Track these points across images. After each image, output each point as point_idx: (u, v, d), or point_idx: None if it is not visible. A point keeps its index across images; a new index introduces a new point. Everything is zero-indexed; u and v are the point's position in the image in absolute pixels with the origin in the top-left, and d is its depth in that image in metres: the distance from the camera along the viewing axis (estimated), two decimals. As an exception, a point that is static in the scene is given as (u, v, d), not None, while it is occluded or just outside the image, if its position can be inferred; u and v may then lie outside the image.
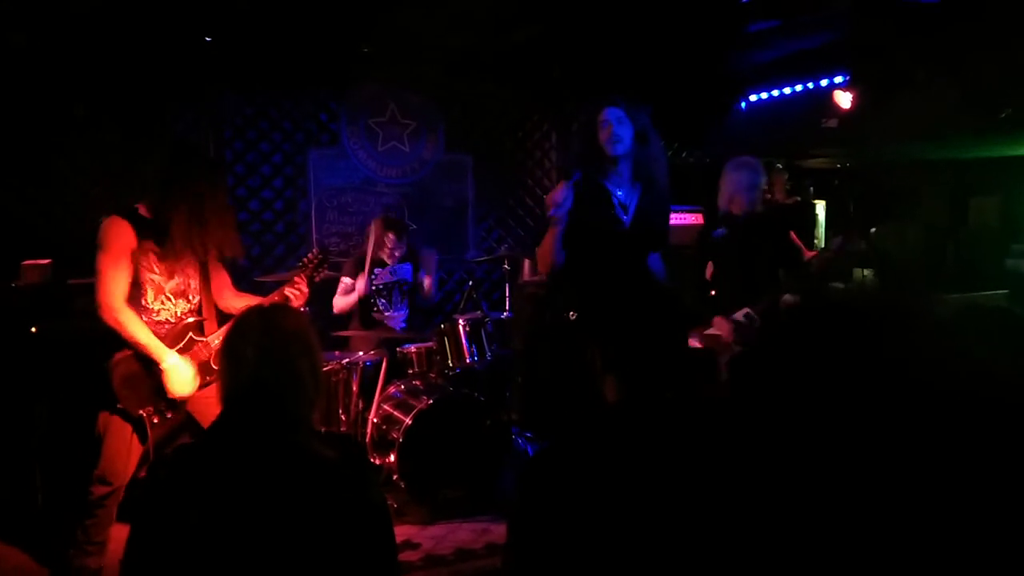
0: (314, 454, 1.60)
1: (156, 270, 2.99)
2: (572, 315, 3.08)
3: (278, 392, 1.63)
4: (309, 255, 3.51)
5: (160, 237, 2.98)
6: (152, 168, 3.09)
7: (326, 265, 3.56)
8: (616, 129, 3.05)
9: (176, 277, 3.05)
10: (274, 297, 3.30)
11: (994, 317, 2.17)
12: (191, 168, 3.02)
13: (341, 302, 4.84)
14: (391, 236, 4.82)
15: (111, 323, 2.88)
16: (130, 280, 2.93)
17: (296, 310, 1.86)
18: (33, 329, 3.94)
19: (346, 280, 4.82)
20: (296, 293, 3.28)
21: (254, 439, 1.60)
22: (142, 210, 3.00)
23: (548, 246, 3.05)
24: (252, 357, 1.63)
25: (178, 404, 3.00)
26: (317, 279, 3.52)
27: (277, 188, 5.57)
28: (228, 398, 1.65)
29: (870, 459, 1.47)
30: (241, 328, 1.69)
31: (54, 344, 3.95)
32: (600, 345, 1.67)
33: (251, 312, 1.75)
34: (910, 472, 1.46)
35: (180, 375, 2.96)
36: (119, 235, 2.92)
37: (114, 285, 2.88)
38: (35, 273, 4.18)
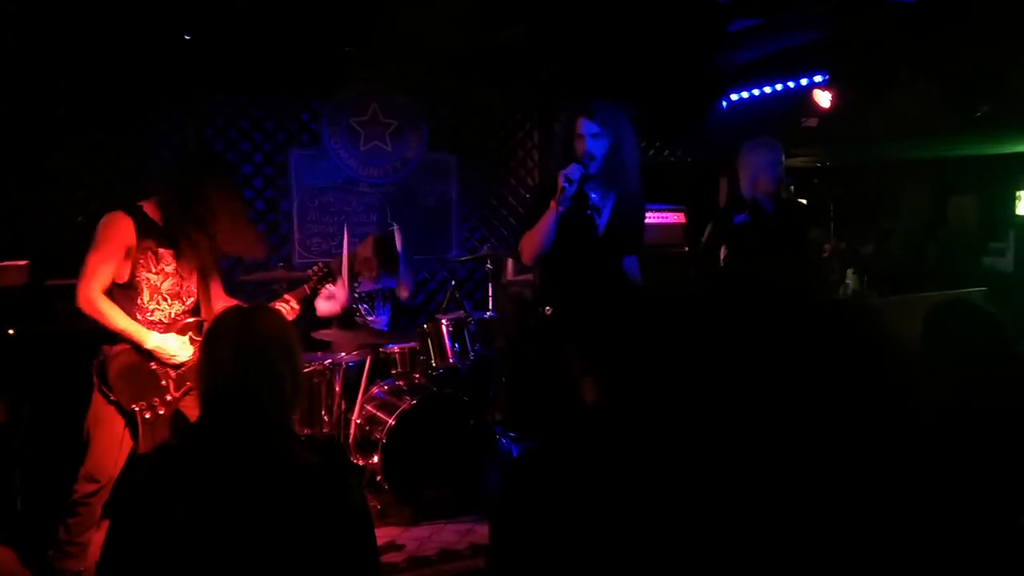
0: (294, 457, 1.59)
1: (154, 270, 2.99)
2: (547, 310, 3.21)
3: (256, 394, 1.61)
4: (315, 267, 3.64)
5: (164, 239, 2.98)
6: (178, 174, 3.07)
7: (330, 279, 3.71)
8: (589, 145, 3.11)
9: (172, 278, 3.04)
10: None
11: (960, 308, 2.21)
12: (219, 180, 3.04)
13: (324, 307, 4.81)
14: (375, 263, 4.79)
15: (89, 312, 2.88)
16: (120, 276, 2.92)
17: (275, 311, 1.85)
18: (11, 331, 3.90)
19: (328, 286, 4.79)
20: (287, 309, 3.29)
21: (233, 441, 1.58)
22: (148, 209, 2.99)
23: (542, 230, 3.10)
24: (229, 358, 1.62)
25: (172, 402, 2.99)
26: (321, 291, 3.61)
27: (258, 188, 5.54)
28: (206, 400, 1.64)
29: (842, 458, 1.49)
30: (218, 329, 1.68)
31: (32, 346, 3.92)
32: (578, 347, 1.68)
33: (228, 313, 1.74)
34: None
35: (170, 347, 2.98)
36: (116, 231, 2.91)
37: (95, 277, 2.88)
38: (12, 275, 4.14)
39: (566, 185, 3.03)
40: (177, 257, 3.01)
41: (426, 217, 6.07)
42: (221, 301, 3.27)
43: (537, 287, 3.50)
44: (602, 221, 3.21)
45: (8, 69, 4.60)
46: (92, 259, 2.89)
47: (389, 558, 3.52)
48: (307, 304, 4.53)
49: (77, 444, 3.02)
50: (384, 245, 4.87)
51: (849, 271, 5.43)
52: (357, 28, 4.96)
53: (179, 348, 3.02)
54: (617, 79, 6.02)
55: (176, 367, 3.03)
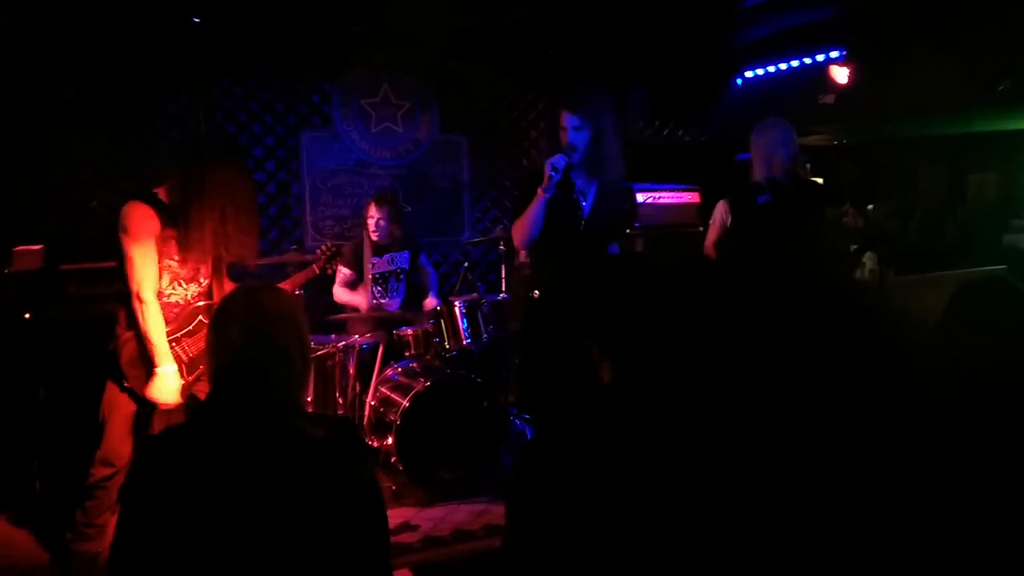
0: (303, 434, 1.58)
1: (176, 257, 2.98)
2: (535, 294, 3.42)
3: (264, 371, 1.61)
4: (323, 247, 3.65)
5: (179, 225, 2.96)
6: (183, 158, 3.03)
7: (338, 259, 3.76)
8: (571, 137, 3.29)
9: (189, 262, 3.04)
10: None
11: (991, 286, 2.16)
12: (225, 165, 2.99)
13: (343, 295, 4.81)
14: (372, 206, 4.73)
15: (136, 310, 2.86)
16: (158, 267, 2.92)
17: (283, 290, 1.84)
18: (26, 315, 3.92)
19: (343, 270, 4.79)
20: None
21: (242, 419, 1.58)
22: (162, 196, 2.97)
23: (531, 215, 3.29)
24: (237, 337, 1.62)
25: (185, 385, 3.00)
26: (329, 271, 3.73)
27: (270, 171, 5.53)
28: (215, 378, 1.64)
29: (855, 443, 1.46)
30: (226, 307, 1.68)
31: (48, 330, 3.94)
32: (571, 327, 1.67)
33: (237, 291, 1.74)
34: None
35: (168, 384, 2.92)
36: (144, 220, 2.88)
37: (145, 273, 2.87)
38: (27, 259, 4.15)
39: (552, 173, 3.22)
40: (183, 246, 2.97)
41: (438, 199, 6.04)
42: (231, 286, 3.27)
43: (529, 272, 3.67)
44: (586, 206, 3.39)
45: (16, 52, 4.60)
46: (134, 252, 2.85)
47: (403, 538, 3.53)
48: (316, 283, 4.55)
49: (93, 427, 3.03)
50: (384, 198, 4.83)
51: (868, 252, 5.36)
52: (366, 8, 4.92)
53: (171, 391, 2.93)
54: (628, 58, 5.96)
55: (185, 347, 3.03)
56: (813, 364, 1.53)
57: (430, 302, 4.90)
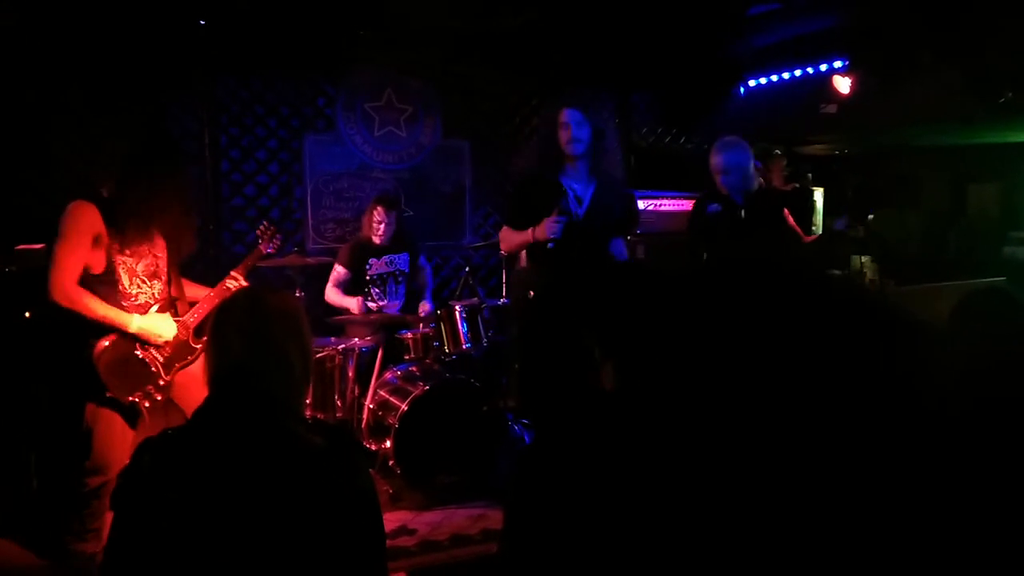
0: (300, 439, 1.57)
1: (126, 252, 2.96)
2: (531, 294, 3.48)
3: (264, 376, 1.60)
4: (261, 227, 3.64)
5: (128, 220, 2.94)
6: (114, 149, 3.04)
7: (278, 237, 3.67)
8: (575, 131, 3.32)
9: (145, 258, 3.03)
10: (214, 292, 3.27)
11: (990, 298, 2.16)
12: (153, 153, 2.99)
13: (334, 296, 4.79)
14: (379, 210, 4.74)
15: (67, 304, 2.83)
16: (96, 266, 2.88)
17: (286, 293, 1.84)
18: (27, 314, 3.92)
19: (339, 268, 4.79)
20: (235, 286, 3.26)
21: (240, 424, 1.57)
22: (106, 192, 2.95)
23: (518, 242, 3.48)
24: (238, 340, 1.60)
25: (166, 386, 3.00)
26: (272, 250, 3.65)
27: (273, 174, 5.53)
28: (214, 381, 1.63)
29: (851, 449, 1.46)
30: (228, 310, 1.67)
31: (49, 330, 3.93)
32: (595, 332, 1.67)
33: (239, 294, 1.74)
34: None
35: (154, 328, 2.96)
36: (80, 220, 2.86)
37: (66, 269, 2.83)
38: (27, 258, 4.15)
39: (552, 236, 3.30)
40: (126, 233, 2.94)
41: (440, 203, 6.05)
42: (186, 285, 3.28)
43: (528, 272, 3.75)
44: (582, 209, 3.41)
45: (22, 53, 4.61)
46: (61, 251, 2.82)
47: (401, 542, 3.53)
48: (318, 285, 4.53)
49: (87, 432, 3.02)
50: (384, 198, 4.86)
51: (867, 259, 5.37)
52: (371, 11, 4.93)
53: (164, 326, 3.00)
54: (632, 64, 5.97)
55: (160, 347, 3.02)
56: (781, 365, 1.53)
57: (423, 307, 4.90)
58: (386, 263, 4.87)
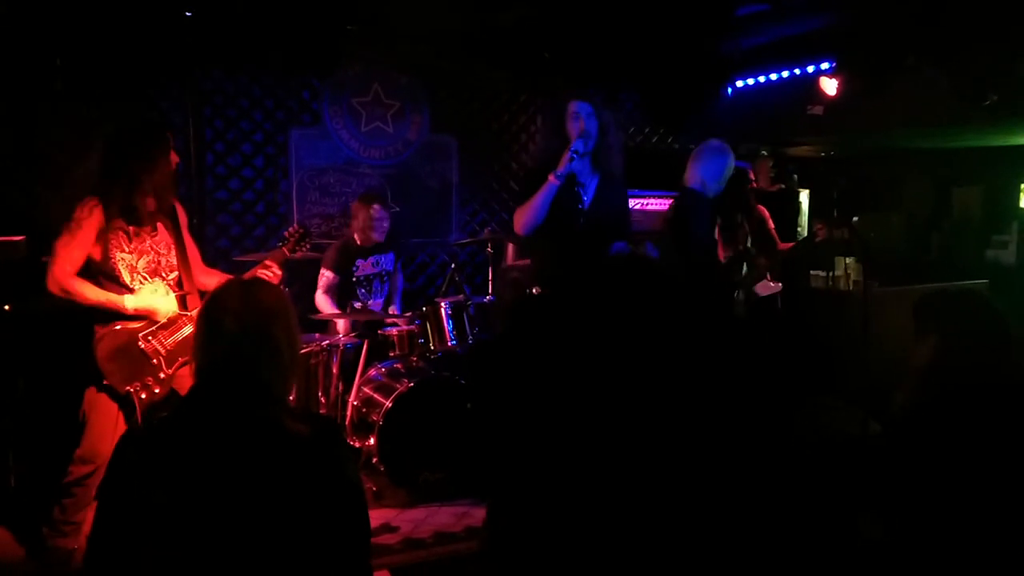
0: (287, 430, 1.57)
1: (126, 249, 2.97)
2: (536, 290, 3.38)
3: (255, 365, 1.60)
4: (290, 230, 3.63)
5: (127, 214, 2.96)
6: (104, 145, 3.08)
7: (308, 240, 3.69)
8: (587, 123, 3.30)
9: (147, 255, 3.02)
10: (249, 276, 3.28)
11: (960, 300, 2.20)
12: (130, 138, 3.03)
13: (325, 305, 4.77)
14: (376, 207, 4.74)
15: (60, 293, 2.87)
16: (85, 256, 2.91)
17: (275, 285, 1.84)
18: (6, 307, 3.88)
19: (327, 273, 4.76)
20: (269, 275, 3.27)
21: (227, 414, 1.57)
22: (100, 180, 2.99)
23: (538, 200, 3.27)
24: (231, 329, 1.60)
25: (166, 380, 2.97)
26: (298, 255, 3.67)
27: (258, 167, 5.49)
28: (203, 371, 1.62)
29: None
30: (220, 300, 1.66)
31: (28, 322, 3.89)
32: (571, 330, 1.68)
33: (230, 284, 1.73)
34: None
35: (149, 301, 2.96)
36: (83, 216, 2.91)
37: (62, 261, 2.88)
38: (9, 250, 4.10)
39: (573, 155, 3.20)
40: (133, 224, 2.98)
41: (427, 200, 6.03)
42: (202, 273, 3.26)
43: (530, 269, 3.65)
44: (587, 200, 3.37)
45: (6, 44, 4.55)
46: (59, 244, 2.90)
47: (384, 539, 3.51)
48: (301, 280, 4.52)
49: (72, 421, 3.00)
50: (374, 195, 4.87)
51: (851, 260, 5.40)
52: (359, 6, 4.91)
53: (159, 299, 2.99)
54: (620, 63, 5.97)
55: (164, 341, 3.00)
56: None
57: (392, 311, 4.92)
58: (372, 264, 4.85)
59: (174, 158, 3.13)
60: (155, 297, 2.98)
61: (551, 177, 3.24)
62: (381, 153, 5.86)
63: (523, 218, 3.33)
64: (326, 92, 5.64)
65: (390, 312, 4.90)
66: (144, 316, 2.96)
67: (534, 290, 3.41)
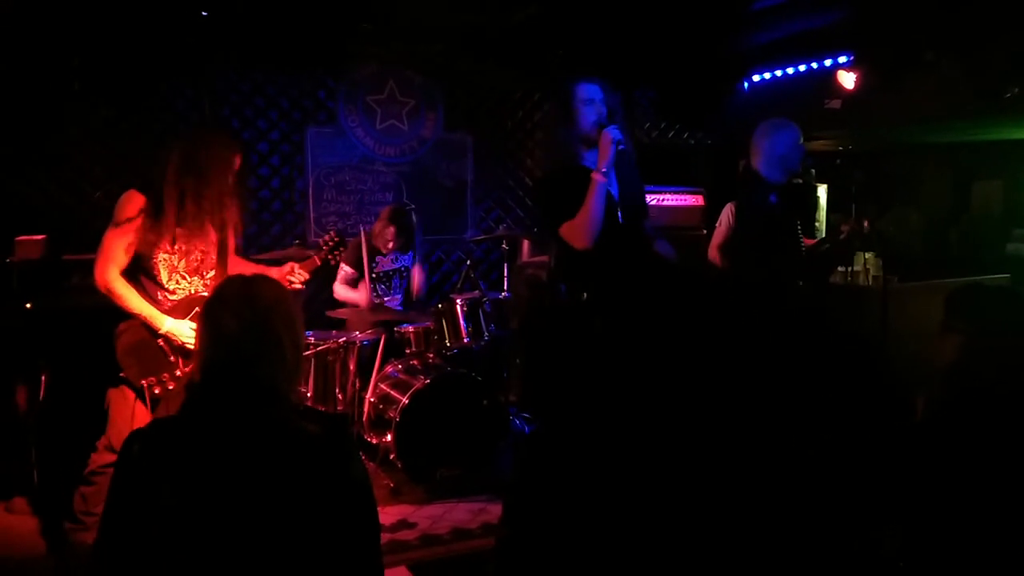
0: (293, 427, 1.56)
1: (168, 249, 2.99)
2: (584, 296, 2.98)
3: (258, 362, 1.59)
4: (326, 237, 3.65)
5: (181, 215, 2.97)
6: (179, 143, 3.08)
7: (342, 249, 3.69)
8: (601, 106, 3.03)
9: (192, 254, 3.05)
10: (277, 271, 3.35)
11: (993, 295, 2.15)
12: (200, 145, 3.03)
13: (344, 292, 4.79)
14: (391, 231, 4.75)
15: (105, 292, 2.90)
16: (132, 254, 2.94)
17: (277, 281, 1.82)
18: (28, 305, 3.92)
19: (346, 268, 4.78)
20: (294, 279, 3.30)
21: (232, 411, 1.56)
22: (161, 182, 2.99)
23: (593, 206, 2.90)
24: (233, 327, 1.58)
25: (180, 376, 2.99)
26: (333, 263, 3.68)
27: (274, 166, 5.53)
28: (206, 368, 1.61)
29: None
30: (222, 297, 1.64)
31: (49, 320, 3.93)
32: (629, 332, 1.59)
33: (232, 281, 1.70)
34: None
35: (184, 333, 2.97)
36: (130, 209, 2.92)
37: (112, 257, 2.90)
38: (29, 248, 4.16)
39: (613, 147, 2.90)
40: (182, 226, 2.98)
41: (442, 197, 6.04)
42: (239, 265, 3.30)
43: (554, 268, 3.28)
44: (614, 190, 3.08)
45: (25, 44, 4.60)
46: (108, 237, 2.91)
47: (401, 536, 3.52)
48: (317, 274, 4.54)
49: (93, 417, 3.03)
50: (399, 216, 4.82)
51: (871, 255, 5.35)
52: (373, 5, 4.91)
53: (193, 335, 3.00)
54: (636, 59, 5.94)
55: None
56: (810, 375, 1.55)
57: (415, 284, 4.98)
58: (391, 260, 4.87)
59: (238, 163, 3.13)
60: (191, 333, 2.97)
61: (596, 176, 2.90)
62: (396, 150, 5.87)
63: (582, 230, 2.92)
64: (341, 90, 5.66)
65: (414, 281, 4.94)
66: (171, 340, 2.97)
67: (583, 296, 2.98)
